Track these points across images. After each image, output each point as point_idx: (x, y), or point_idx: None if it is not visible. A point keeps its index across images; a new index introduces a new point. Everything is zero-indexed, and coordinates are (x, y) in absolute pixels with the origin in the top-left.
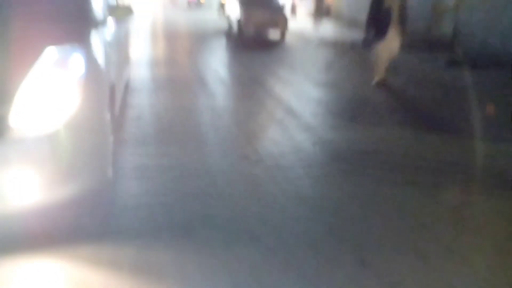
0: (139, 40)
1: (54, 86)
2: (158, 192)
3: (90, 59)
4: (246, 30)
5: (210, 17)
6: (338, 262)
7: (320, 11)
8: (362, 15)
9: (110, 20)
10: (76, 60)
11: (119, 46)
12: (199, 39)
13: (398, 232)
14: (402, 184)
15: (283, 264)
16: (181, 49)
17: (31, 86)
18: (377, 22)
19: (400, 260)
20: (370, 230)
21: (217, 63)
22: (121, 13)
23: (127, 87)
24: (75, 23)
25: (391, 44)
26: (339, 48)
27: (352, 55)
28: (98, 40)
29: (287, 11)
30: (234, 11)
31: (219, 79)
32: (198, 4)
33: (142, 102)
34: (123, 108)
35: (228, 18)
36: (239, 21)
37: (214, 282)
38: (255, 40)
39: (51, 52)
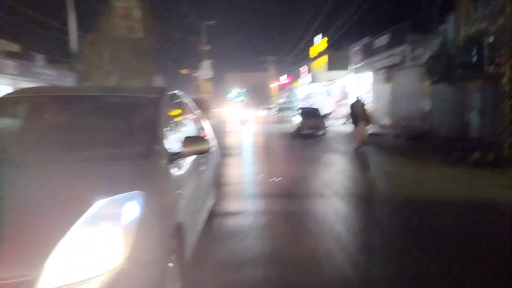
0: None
1: (95, 243)
2: None
3: (148, 207)
4: (303, 129)
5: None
6: None
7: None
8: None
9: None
10: (128, 211)
11: (198, 174)
12: (275, 136)
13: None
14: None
15: None
16: (266, 141)
17: (68, 246)
18: (354, 118)
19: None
20: None
21: (286, 147)
22: (194, 149)
23: (212, 215)
24: (137, 167)
25: (360, 129)
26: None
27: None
28: (164, 181)
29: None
30: (296, 119)
31: (294, 149)
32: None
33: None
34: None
35: (292, 124)
36: (298, 125)
37: None
38: (307, 135)
39: (99, 206)
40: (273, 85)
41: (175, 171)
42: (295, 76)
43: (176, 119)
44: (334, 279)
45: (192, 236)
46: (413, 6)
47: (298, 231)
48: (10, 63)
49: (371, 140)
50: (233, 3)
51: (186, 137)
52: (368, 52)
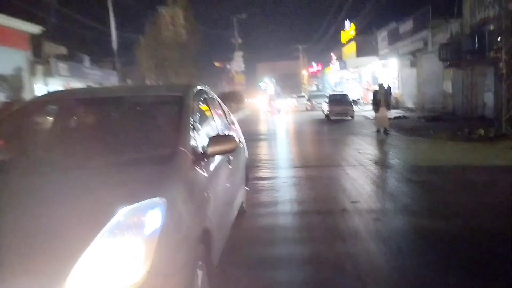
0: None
1: (118, 255)
2: None
3: (171, 214)
4: (331, 115)
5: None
6: None
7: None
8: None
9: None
10: (152, 218)
11: (227, 173)
12: (308, 122)
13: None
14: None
15: None
16: (298, 125)
17: (90, 258)
18: (376, 104)
19: None
20: None
21: (319, 129)
22: (220, 149)
23: (241, 212)
24: (159, 171)
25: (382, 114)
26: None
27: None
28: (188, 185)
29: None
30: (325, 106)
31: (321, 133)
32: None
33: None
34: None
35: (322, 110)
36: (328, 112)
37: None
38: (336, 120)
39: (121, 215)
40: (304, 73)
41: (201, 173)
42: (326, 63)
43: (203, 116)
44: (336, 209)
45: (220, 241)
46: None
47: (319, 192)
48: (63, 66)
49: (394, 123)
50: None
51: (211, 137)
52: (394, 38)
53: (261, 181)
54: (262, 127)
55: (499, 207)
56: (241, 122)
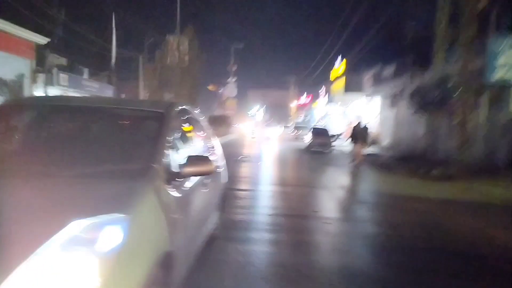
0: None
1: (63, 271)
2: None
3: (132, 233)
4: (312, 146)
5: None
6: None
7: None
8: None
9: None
10: (108, 236)
11: (200, 196)
12: (290, 150)
13: None
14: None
15: None
16: (278, 153)
17: (28, 272)
18: (353, 139)
19: None
20: None
21: (296, 160)
22: (196, 170)
23: (212, 238)
24: (127, 186)
25: (357, 149)
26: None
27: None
28: (156, 203)
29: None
30: (307, 138)
31: (299, 161)
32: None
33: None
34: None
35: (304, 142)
36: (309, 143)
37: None
38: (315, 151)
39: (74, 227)
40: (293, 105)
41: (172, 193)
42: (316, 95)
43: (183, 136)
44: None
45: (183, 266)
46: (415, 43)
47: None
48: (64, 76)
49: (367, 159)
50: (259, 27)
51: (189, 156)
52: (378, 80)
53: (242, 192)
54: (246, 151)
55: (417, 224)
56: (228, 145)
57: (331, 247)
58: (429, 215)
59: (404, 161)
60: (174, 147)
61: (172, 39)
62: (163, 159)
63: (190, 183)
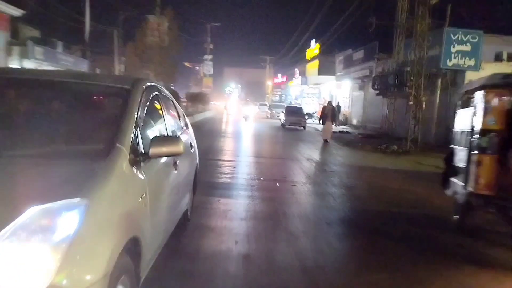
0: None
1: (18, 262)
2: None
3: (92, 218)
4: (286, 124)
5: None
6: None
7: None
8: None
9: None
10: (66, 222)
11: (170, 178)
12: (265, 127)
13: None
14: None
15: None
16: (257, 129)
17: None
18: (323, 117)
19: None
20: None
21: (271, 136)
22: (164, 151)
23: (185, 219)
24: (87, 168)
25: (327, 126)
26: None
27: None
28: (120, 186)
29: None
30: (281, 116)
31: (274, 137)
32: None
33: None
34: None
35: (279, 119)
36: (283, 120)
37: None
38: (290, 129)
39: (29, 215)
40: (269, 83)
41: (138, 175)
42: (291, 76)
43: (152, 114)
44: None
45: (152, 252)
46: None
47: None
48: (38, 49)
49: (336, 136)
50: (237, 6)
51: (155, 137)
52: (348, 63)
53: (221, 161)
54: (224, 128)
55: (372, 187)
56: (206, 122)
57: (294, 201)
58: (377, 180)
59: (368, 138)
60: (141, 126)
61: (152, 19)
62: (128, 139)
63: (159, 164)
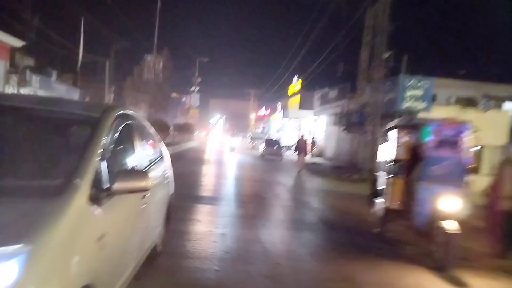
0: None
1: None
2: None
3: (34, 267)
4: (265, 155)
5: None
6: None
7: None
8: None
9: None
10: (4, 273)
11: (133, 215)
12: (243, 158)
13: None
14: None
15: None
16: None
17: None
18: (298, 150)
19: None
20: None
21: (251, 164)
22: (128, 186)
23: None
24: (35, 208)
25: (301, 158)
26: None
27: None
28: (73, 228)
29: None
30: (261, 147)
31: (253, 165)
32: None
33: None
34: None
35: (259, 150)
36: (262, 152)
37: None
38: (268, 159)
39: None
40: (252, 116)
41: (97, 213)
42: (274, 109)
43: (122, 145)
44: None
45: None
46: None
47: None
48: (35, 78)
49: (310, 167)
50: (223, 42)
51: (120, 171)
52: (325, 100)
53: (207, 184)
54: (208, 156)
55: (326, 204)
56: (191, 151)
57: (271, 211)
58: (336, 201)
59: (337, 168)
60: (108, 158)
61: (149, 59)
62: (90, 173)
63: (123, 199)
